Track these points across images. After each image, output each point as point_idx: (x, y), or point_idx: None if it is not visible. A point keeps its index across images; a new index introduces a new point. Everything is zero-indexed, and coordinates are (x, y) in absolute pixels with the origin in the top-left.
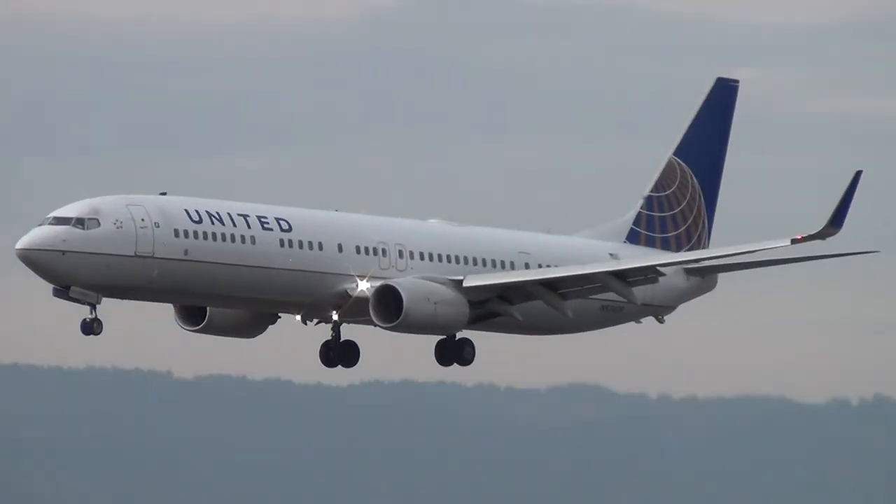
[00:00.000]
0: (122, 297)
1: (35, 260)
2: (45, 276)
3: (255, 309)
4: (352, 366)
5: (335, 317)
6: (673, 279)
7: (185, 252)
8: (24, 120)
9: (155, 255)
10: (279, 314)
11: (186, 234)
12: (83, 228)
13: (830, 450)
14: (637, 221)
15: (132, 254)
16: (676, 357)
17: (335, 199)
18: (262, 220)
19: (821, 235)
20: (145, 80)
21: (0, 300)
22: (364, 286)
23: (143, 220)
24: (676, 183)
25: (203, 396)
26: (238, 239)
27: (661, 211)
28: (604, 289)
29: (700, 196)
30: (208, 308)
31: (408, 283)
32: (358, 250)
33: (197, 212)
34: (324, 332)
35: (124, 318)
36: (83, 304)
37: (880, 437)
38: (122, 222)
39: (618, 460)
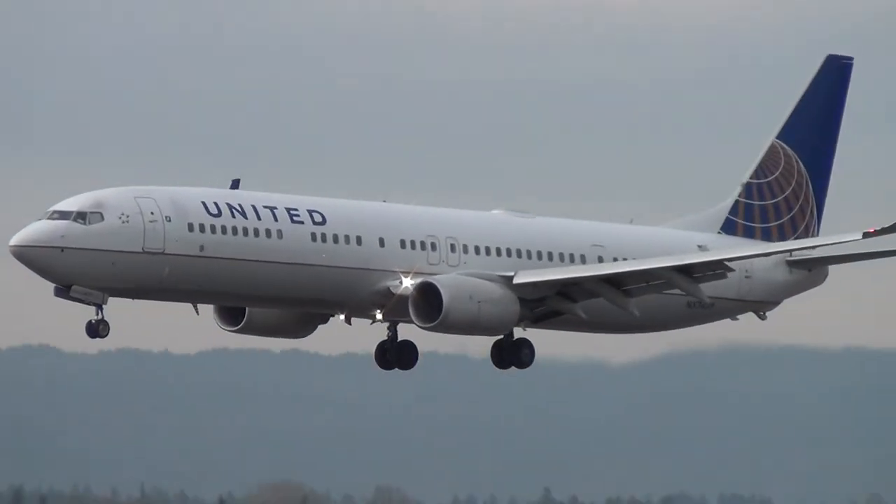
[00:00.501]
0: (130, 297)
1: (31, 257)
2: (42, 275)
3: (289, 309)
4: (409, 368)
5: (378, 316)
6: (772, 273)
7: (201, 248)
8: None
9: (166, 252)
10: (327, 314)
11: (202, 228)
12: (84, 223)
13: None
14: (734, 210)
15: (140, 250)
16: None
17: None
18: (292, 212)
19: (893, 229)
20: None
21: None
22: (409, 283)
23: (152, 213)
24: (780, 168)
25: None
26: (263, 233)
27: (762, 199)
28: (669, 285)
29: (807, 182)
30: (246, 308)
31: (449, 280)
32: (403, 244)
33: (216, 203)
34: (380, 332)
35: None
36: (87, 304)
37: None
38: (128, 216)
39: None
